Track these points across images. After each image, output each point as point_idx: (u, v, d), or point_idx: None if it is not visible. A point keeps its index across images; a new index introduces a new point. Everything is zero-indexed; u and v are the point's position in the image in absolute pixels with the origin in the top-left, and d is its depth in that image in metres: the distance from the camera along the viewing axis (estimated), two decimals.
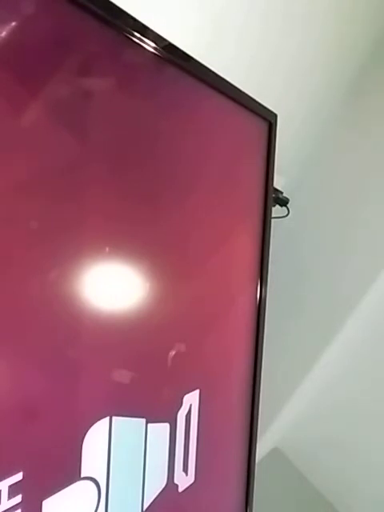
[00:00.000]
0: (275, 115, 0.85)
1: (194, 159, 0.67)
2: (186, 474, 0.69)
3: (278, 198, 1.15)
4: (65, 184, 0.48)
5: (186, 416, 0.67)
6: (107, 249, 0.53)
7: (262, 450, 1.20)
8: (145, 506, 0.61)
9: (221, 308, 0.77)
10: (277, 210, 1.14)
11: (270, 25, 1.03)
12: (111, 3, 0.49)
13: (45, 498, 0.46)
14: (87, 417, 0.52)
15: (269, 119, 0.84)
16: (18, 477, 0.43)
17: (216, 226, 0.74)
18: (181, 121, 0.64)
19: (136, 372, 0.59)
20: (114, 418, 0.55)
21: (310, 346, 1.24)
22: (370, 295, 1.16)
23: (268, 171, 0.85)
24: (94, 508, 0.53)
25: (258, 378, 0.85)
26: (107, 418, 0.54)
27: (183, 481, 0.68)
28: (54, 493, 0.48)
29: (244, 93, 0.75)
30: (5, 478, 0.42)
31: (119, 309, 0.56)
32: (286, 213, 1.18)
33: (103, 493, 0.54)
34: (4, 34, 0.41)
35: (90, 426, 0.52)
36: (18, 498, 0.43)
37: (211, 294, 0.74)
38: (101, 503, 0.54)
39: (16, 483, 0.43)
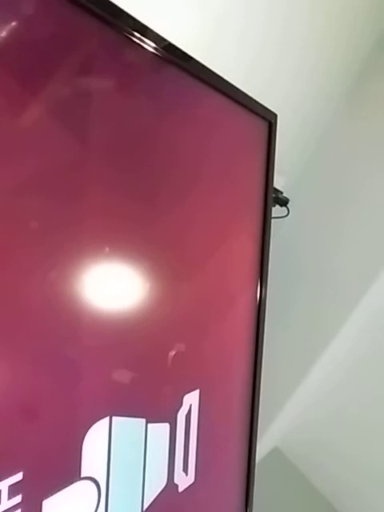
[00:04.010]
0: (275, 115, 0.85)
1: (194, 159, 0.67)
2: (186, 474, 0.69)
3: (278, 197, 1.15)
4: (65, 183, 0.48)
5: (186, 416, 0.67)
6: (107, 249, 0.53)
7: (262, 449, 1.20)
8: (145, 506, 0.61)
9: (221, 308, 0.77)
10: (277, 210, 1.14)
11: (271, 25, 1.03)
12: (111, 3, 0.49)
13: (45, 498, 0.46)
14: (87, 417, 0.52)
15: (269, 119, 0.84)
16: (18, 477, 0.43)
17: (216, 226, 0.74)
18: (181, 121, 0.64)
19: (136, 372, 0.59)
20: (113, 418, 0.55)
21: (311, 345, 1.24)
22: (371, 295, 1.16)
23: (268, 171, 0.85)
24: (94, 508, 0.53)
25: (257, 378, 0.85)
26: (107, 418, 0.54)
27: (183, 481, 0.68)
28: (54, 493, 0.48)
29: (244, 93, 0.75)
30: (5, 478, 0.42)
31: (119, 309, 0.56)
32: (286, 213, 1.18)
33: (103, 493, 0.54)
34: (4, 33, 0.41)
35: (90, 426, 0.52)
36: (18, 498, 0.43)
37: (211, 294, 0.74)
38: (101, 503, 0.54)
39: (16, 483, 0.43)
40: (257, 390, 0.85)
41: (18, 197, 0.43)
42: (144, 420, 0.59)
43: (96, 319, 0.52)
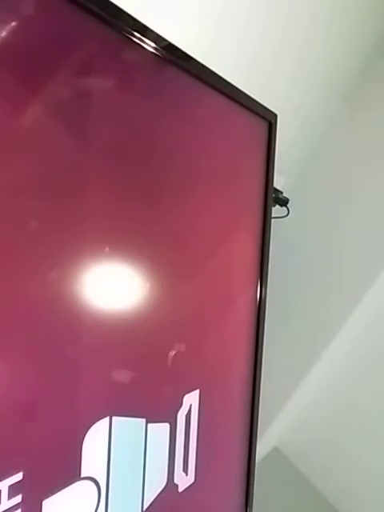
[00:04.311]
0: (275, 115, 0.85)
1: (194, 159, 0.67)
2: (186, 474, 0.69)
3: (278, 197, 1.15)
4: (65, 183, 0.48)
5: (186, 416, 0.67)
6: (107, 249, 0.53)
7: (262, 449, 1.20)
8: (145, 506, 0.61)
9: (221, 308, 0.77)
10: (277, 210, 1.14)
11: (271, 25, 1.03)
12: (111, 3, 0.49)
13: (45, 498, 0.46)
14: (87, 417, 0.52)
15: (269, 119, 0.84)
16: (18, 477, 0.43)
17: (216, 226, 0.74)
18: (181, 121, 0.64)
19: (136, 372, 0.59)
20: (113, 418, 0.55)
21: (311, 345, 1.24)
22: (371, 295, 1.16)
23: (268, 171, 0.85)
24: (94, 508, 0.53)
25: (258, 378, 0.85)
26: (107, 418, 0.54)
27: (183, 481, 0.68)
28: (54, 493, 0.48)
29: (244, 93, 0.75)
30: (5, 478, 0.42)
31: (119, 309, 0.56)
32: (286, 213, 1.18)
33: (103, 493, 0.54)
34: (4, 33, 0.41)
35: (90, 426, 0.52)
36: (18, 498, 0.43)
37: (211, 294, 0.74)
38: (101, 503, 0.54)
39: (16, 483, 0.43)
40: (257, 389, 0.85)
41: (19, 197, 0.43)
42: (144, 420, 0.59)
43: (96, 319, 0.52)
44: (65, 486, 0.49)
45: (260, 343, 0.85)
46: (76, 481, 0.50)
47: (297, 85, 1.21)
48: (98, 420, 0.53)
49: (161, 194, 0.61)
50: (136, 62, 0.56)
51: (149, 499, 0.61)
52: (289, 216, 1.18)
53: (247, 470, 0.85)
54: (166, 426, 0.64)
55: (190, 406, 0.68)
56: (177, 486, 0.67)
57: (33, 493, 0.45)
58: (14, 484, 0.43)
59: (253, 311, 0.84)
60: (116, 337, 0.55)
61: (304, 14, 1.08)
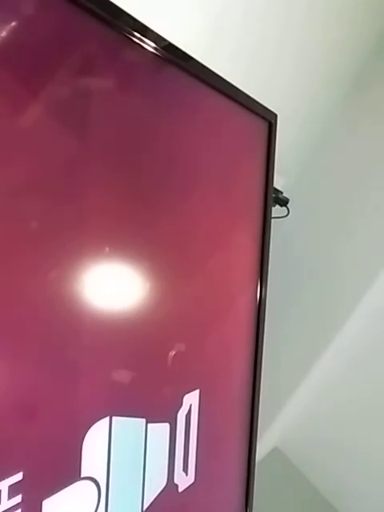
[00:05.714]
0: (275, 115, 0.85)
1: (194, 159, 0.67)
2: (186, 474, 0.69)
3: (278, 197, 1.15)
4: (65, 184, 0.48)
5: (186, 416, 0.67)
6: (107, 249, 0.53)
7: (262, 449, 1.20)
8: (145, 506, 0.61)
9: (221, 308, 0.77)
10: (277, 210, 1.14)
11: (270, 25, 1.03)
12: (111, 3, 0.49)
13: (45, 498, 0.46)
14: (87, 417, 0.52)
15: (269, 119, 0.84)
16: (18, 477, 0.43)
17: (216, 226, 0.74)
18: (181, 121, 0.64)
19: (136, 372, 0.59)
20: (113, 418, 0.55)
21: (310, 345, 1.24)
22: (371, 294, 1.16)
23: (268, 171, 0.85)
24: (94, 508, 0.53)
25: (257, 378, 0.85)
26: (107, 418, 0.54)
27: (183, 481, 0.68)
28: (54, 493, 0.48)
29: (244, 93, 0.75)
30: (5, 478, 0.42)
31: (119, 309, 0.56)
32: (286, 213, 1.18)
33: (103, 493, 0.54)
34: (4, 33, 0.41)
35: (90, 426, 0.52)
36: (18, 498, 0.43)
37: (211, 294, 0.74)
38: (101, 503, 0.54)
39: (16, 483, 0.43)
40: (257, 389, 0.85)
41: (19, 197, 0.43)
42: (144, 420, 0.59)
43: (96, 319, 0.52)
44: (65, 486, 0.49)
45: (260, 343, 0.85)
46: (76, 481, 0.50)
47: (296, 85, 1.21)
48: (98, 420, 0.53)
49: (160, 194, 0.61)
50: (136, 62, 0.56)
51: (149, 499, 0.61)
52: (289, 216, 1.18)
53: (247, 470, 0.85)
54: (165, 426, 0.64)
55: (190, 406, 0.68)
56: (177, 485, 0.67)
57: (33, 493, 0.45)
58: (14, 484, 0.43)
59: (253, 311, 0.84)
60: (116, 337, 0.55)
61: (303, 13, 1.08)
